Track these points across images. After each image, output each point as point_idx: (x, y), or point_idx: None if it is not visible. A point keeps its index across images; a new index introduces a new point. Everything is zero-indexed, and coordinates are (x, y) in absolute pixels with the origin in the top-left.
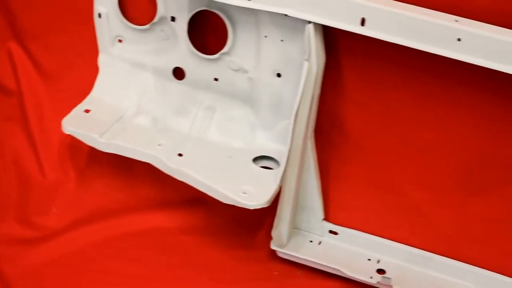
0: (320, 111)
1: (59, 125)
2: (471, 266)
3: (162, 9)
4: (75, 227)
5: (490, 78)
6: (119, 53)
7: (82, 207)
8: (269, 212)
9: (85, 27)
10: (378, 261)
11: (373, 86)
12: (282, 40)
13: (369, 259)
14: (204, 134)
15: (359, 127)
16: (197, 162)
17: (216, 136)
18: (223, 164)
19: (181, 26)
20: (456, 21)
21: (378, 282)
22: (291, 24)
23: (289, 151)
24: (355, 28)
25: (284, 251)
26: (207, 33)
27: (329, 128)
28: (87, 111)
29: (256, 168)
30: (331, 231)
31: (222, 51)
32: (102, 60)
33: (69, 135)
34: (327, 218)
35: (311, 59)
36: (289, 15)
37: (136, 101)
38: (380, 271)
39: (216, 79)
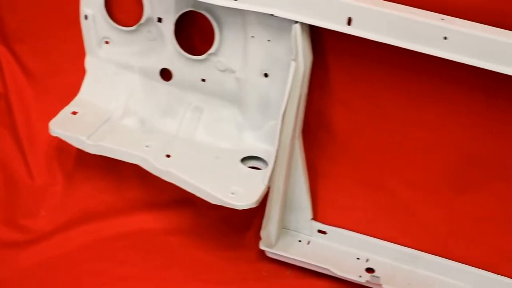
0: (308, 111)
1: (46, 127)
2: (460, 264)
3: (148, 10)
4: (64, 230)
5: (478, 76)
6: (106, 55)
7: (70, 209)
8: (258, 212)
9: (71, 29)
10: (367, 260)
11: (361, 85)
12: (269, 40)
13: (358, 258)
14: (192, 135)
15: (347, 126)
16: (185, 163)
17: (204, 136)
18: (211, 165)
19: (168, 27)
20: (443, 19)
21: (367, 281)
22: (277, 24)
23: (277, 151)
24: (341, 27)
25: (273, 251)
26: (194, 34)
27: (316, 128)
28: (74, 113)
29: (244, 168)
30: (319, 231)
31: (209, 51)
32: (89, 62)
33: (56, 137)
34: (315, 218)
35: (298, 59)
36: (275, 15)
37: (123, 102)
38: (369, 270)
39: (203, 80)
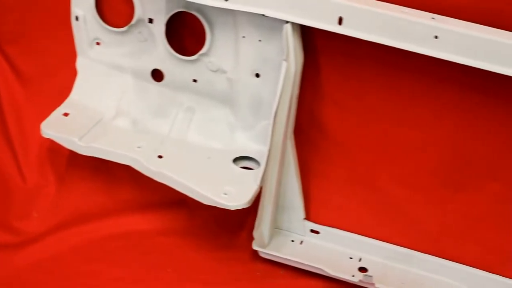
0: (300, 111)
1: (38, 129)
2: (453, 263)
3: (139, 11)
4: (56, 231)
5: (470, 75)
6: (97, 56)
7: (62, 211)
8: (250, 212)
9: (63, 30)
10: (360, 260)
11: (352, 84)
12: (260, 40)
13: (351, 258)
14: (184, 135)
15: (339, 126)
16: (177, 164)
17: (196, 137)
18: (203, 165)
19: (159, 27)
20: (433, 18)
21: (360, 280)
22: (268, 24)
23: (269, 151)
24: (332, 27)
25: (266, 251)
26: (185, 34)
27: (309, 128)
28: (66, 114)
29: (236, 168)
30: (312, 230)
31: (201, 52)
32: (81, 63)
33: (48, 138)
34: (308, 218)
35: (289, 59)
36: (266, 15)
37: (115, 103)
38: (362, 269)
39: (195, 80)
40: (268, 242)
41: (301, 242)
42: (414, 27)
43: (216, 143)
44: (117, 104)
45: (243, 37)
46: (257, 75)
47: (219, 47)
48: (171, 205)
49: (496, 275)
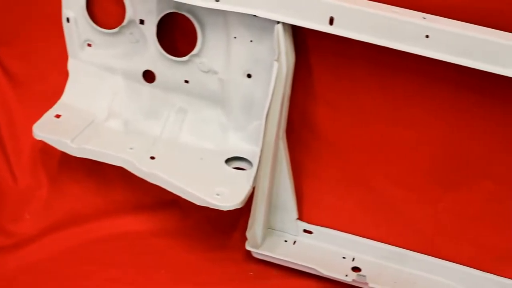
0: (292, 111)
1: (30, 131)
2: (447, 262)
3: (130, 12)
4: (49, 233)
5: (462, 74)
6: (89, 58)
7: (55, 212)
8: (243, 213)
9: (54, 32)
10: (353, 259)
11: (344, 84)
12: (251, 41)
13: (344, 257)
14: (176, 136)
15: (331, 126)
16: (169, 165)
17: (188, 138)
18: (196, 166)
19: (150, 28)
20: (424, 18)
21: (353, 280)
22: (260, 25)
23: (261, 151)
24: (323, 27)
25: (259, 252)
26: (177, 35)
27: (301, 128)
28: (57, 116)
29: (228, 169)
30: (305, 230)
31: (192, 53)
32: (72, 64)
33: (40, 140)
34: (301, 218)
35: (281, 59)
36: (258, 15)
37: (107, 105)
38: (355, 269)
39: (186, 81)
40: (261, 243)
41: (294, 242)
42: (405, 26)
43: (208, 143)
44: (109, 106)
45: (235, 37)
46: (249, 76)
47: (210, 48)
48: (164, 206)
49: (490, 274)
